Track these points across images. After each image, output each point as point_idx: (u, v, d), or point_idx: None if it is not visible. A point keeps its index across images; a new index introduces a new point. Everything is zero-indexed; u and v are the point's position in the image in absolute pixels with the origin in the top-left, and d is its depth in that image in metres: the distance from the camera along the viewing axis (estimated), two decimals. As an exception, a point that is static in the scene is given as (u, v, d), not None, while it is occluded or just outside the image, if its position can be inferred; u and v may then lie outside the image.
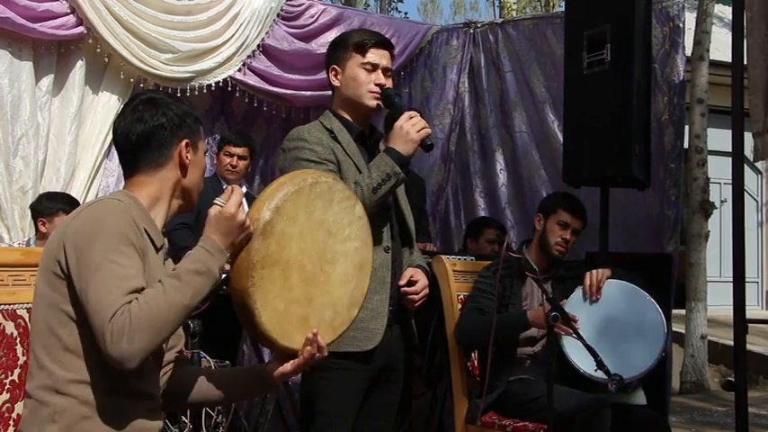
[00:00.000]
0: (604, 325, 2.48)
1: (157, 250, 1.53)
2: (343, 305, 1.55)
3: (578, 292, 2.68)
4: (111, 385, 1.41)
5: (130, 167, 1.56)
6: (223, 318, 2.35)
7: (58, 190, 3.58)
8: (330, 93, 2.23)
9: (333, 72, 2.16)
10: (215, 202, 1.46)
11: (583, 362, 2.51)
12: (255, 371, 1.60)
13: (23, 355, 1.77)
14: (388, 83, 2.15)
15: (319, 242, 1.49)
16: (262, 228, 1.41)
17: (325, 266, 1.50)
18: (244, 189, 3.76)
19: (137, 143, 1.53)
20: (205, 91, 4.02)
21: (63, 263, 1.41)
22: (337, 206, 1.52)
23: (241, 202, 1.46)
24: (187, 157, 1.55)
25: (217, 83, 4.02)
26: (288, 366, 1.52)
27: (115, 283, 1.35)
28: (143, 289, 1.39)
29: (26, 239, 3.43)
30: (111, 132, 3.81)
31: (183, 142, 1.55)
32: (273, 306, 1.43)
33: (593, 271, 2.68)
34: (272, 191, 1.45)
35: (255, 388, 1.64)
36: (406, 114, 2.06)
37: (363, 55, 2.11)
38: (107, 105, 3.83)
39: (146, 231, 1.49)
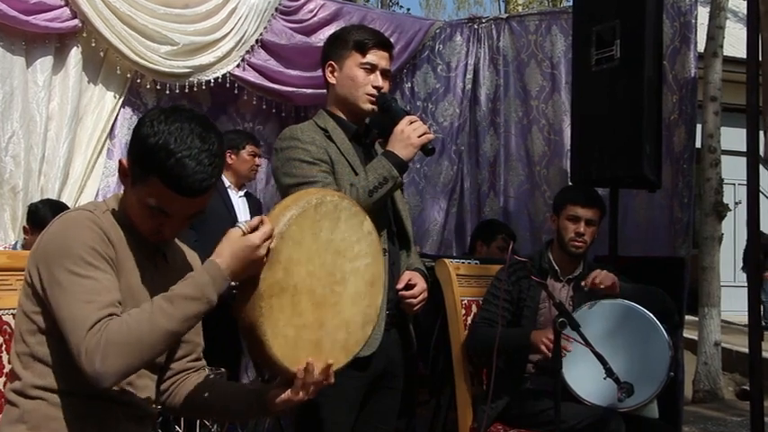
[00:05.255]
0: (606, 349, 2.41)
1: (146, 257, 1.51)
2: (356, 324, 1.54)
3: (578, 311, 2.66)
4: (81, 391, 1.40)
5: None
6: (223, 321, 2.31)
7: (54, 189, 3.57)
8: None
9: (329, 68, 2.15)
10: (238, 224, 1.39)
11: (584, 389, 2.49)
12: (255, 394, 1.56)
13: (9, 363, 1.75)
14: (386, 85, 2.13)
15: (328, 263, 1.48)
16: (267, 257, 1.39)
17: (335, 287, 1.49)
18: (242, 192, 3.73)
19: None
20: (204, 87, 4.01)
21: (35, 277, 1.41)
22: (345, 224, 1.51)
23: (269, 236, 1.39)
24: (122, 178, 1.49)
25: (215, 79, 4.02)
26: (293, 398, 1.46)
27: (87, 297, 1.33)
28: (118, 301, 1.37)
29: (12, 243, 3.41)
30: (107, 130, 3.89)
31: (120, 159, 1.49)
32: (284, 334, 1.42)
33: (604, 271, 2.63)
34: (275, 215, 1.42)
35: (252, 411, 1.59)
36: (407, 119, 2.06)
37: (363, 55, 2.10)
38: (102, 102, 3.83)
39: (133, 238, 1.48)
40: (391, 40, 2.27)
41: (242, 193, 3.70)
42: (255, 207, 3.70)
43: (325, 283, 1.47)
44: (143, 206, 1.44)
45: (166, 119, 1.42)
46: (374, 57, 2.11)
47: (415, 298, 2.12)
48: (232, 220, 3.27)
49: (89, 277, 1.35)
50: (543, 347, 2.50)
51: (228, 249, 1.37)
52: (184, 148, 1.39)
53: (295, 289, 1.42)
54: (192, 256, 1.68)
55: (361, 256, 1.54)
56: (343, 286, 1.50)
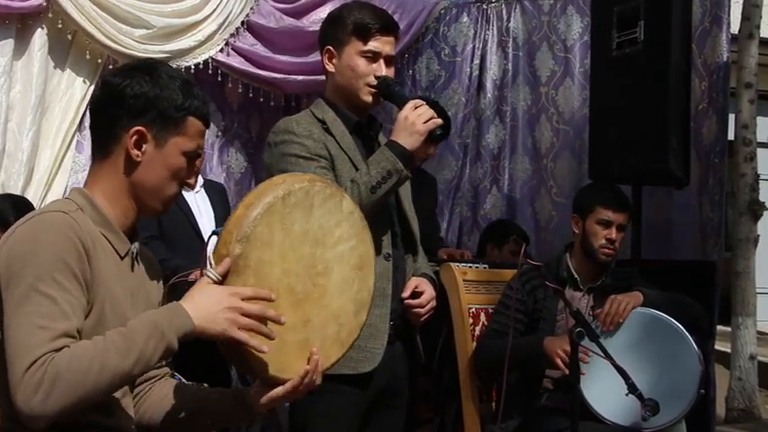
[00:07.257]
0: (628, 362, 2.42)
1: (122, 257, 1.51)
2: (348, 313, 1.56)
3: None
4: (66, 420, 1.37)
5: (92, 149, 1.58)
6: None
7: (16, 186, 3.57)
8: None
9: (327, 54, 2.15)
10: (208, 273, 1.41)
11: (604, 407, 2.49)
12: (236, 394, 1.57)
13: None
14: (390, 73, 2.13)
15: (306, 256, 1.49)
16: (233, 265, 1.40)
17: (317, 280, 1.51)
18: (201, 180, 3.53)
19: (91, 115, 1.55)
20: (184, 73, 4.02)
21: None
22: (319, 210, 1.51)
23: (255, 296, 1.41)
24: (137, 152, 1.48)
25: (196, 65, 4.03)
26: (279, 390, 1.49)
27: (41, 322, 1.31)
28: (77, 330, 1.35)
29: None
30: (76, 120, 3.88)
31: (134, 129, 1.47)
32: (266, 343, 1.43)
33: (619, 297, 2.62)
34: (237, 217, 1.42)
35: (235, 415, 1.60)
36: (411, 103, 2.05)
37: (365, 42, 2.09)
38: (71, 90, 3.82)
39: (106, 238, 1.47)
40: (392, 20, 2.27)
41: (198, 187, 3.46)
42: (218, 195, 3.61)
43: (305, 278, 1.48)
44: (184, 157, 1.51)
45: (150, 69, 1.51)
46: (377, 43, 2.09)
47: (423, 307, 2.12)
48: (190, 224, 3.25)
49: (50, 297, 1.33)
50: (558, 361, 2.50)
51: (195, 299, 1.39)
52: (189, 79, 1.56)
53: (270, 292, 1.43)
54: (151, 256, 1.69)
55: (343, 240, 1.55)
56: (327, 277, 1.52)
